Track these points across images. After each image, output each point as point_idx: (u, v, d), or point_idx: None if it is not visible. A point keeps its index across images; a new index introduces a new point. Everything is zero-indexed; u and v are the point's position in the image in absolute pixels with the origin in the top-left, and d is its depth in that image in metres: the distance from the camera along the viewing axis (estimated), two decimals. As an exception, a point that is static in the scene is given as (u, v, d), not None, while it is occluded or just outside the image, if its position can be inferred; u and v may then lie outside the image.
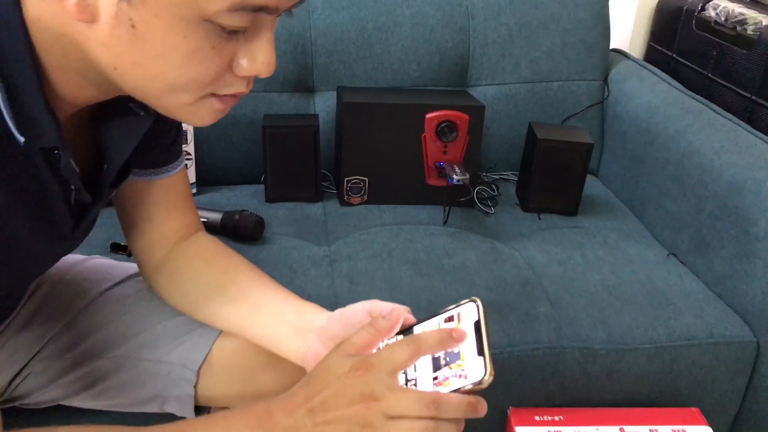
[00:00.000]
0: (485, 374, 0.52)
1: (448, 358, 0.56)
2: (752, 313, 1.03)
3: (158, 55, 0.46)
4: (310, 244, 1.16)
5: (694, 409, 1.02)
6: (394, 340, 0.60)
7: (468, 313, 0.57)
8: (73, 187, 0.58)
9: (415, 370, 0.56)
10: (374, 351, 0.59)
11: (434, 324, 0.60)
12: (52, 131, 0.51)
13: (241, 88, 0.52)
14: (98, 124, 0.61)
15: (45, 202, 0.56)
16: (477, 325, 0.56)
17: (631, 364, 1.00)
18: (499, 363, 0.97)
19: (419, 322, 0.62)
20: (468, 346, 0.55)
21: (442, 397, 0.53)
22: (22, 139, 0.49)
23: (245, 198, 1.30)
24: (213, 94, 0.51)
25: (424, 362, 0.56)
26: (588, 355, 0.99)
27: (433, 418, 0.52)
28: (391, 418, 0.52)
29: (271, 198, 1.29)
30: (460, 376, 0.54)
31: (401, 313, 0.63)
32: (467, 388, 0.53)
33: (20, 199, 0.53)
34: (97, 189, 0.63)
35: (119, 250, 1.09)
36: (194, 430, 0.58)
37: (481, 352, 0.54)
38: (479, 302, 0.57)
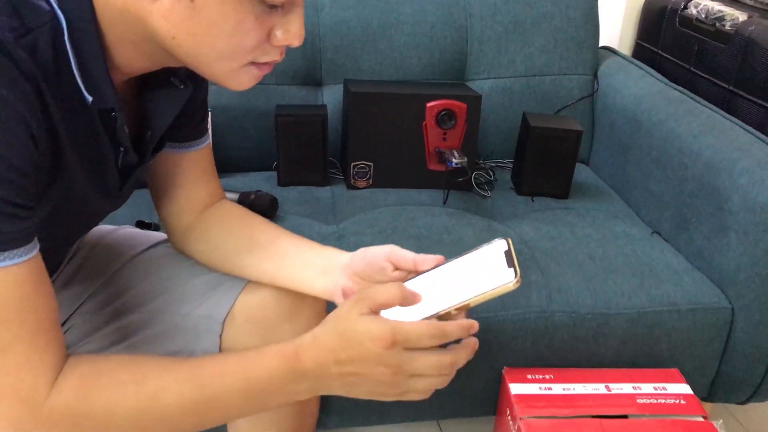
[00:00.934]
0: (515, 278, 0.61)
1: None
2: (727, 282, 1.12)
3: (211, 26, 0.55)
4: (320, 223, 1.24)
5: (674, 370, 1.10)
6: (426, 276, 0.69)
7: (498, 246, 0.67)
8: (122, 149, 0.67)
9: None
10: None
11: (464, 262, 0.68)
12: (111, 95, 0.60)
13: (276, 56, 0.61)
14: (142, 94, 0.71)
15: (100, 160, 0.65)
16: (507, 252, 0.65)
17: (615, 328, 1.08)
18: (495, 326, 1.06)
19: (449, 260, 0.70)
20: (500, 263, 0.64)
21: (453, 346, 0.63)
22: (90, 98, 0.58)
23: (258, 182, 1.38)
24: (252, 63, 0.61)
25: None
26: (575, 319, 1.07)
27: (451, 364, 0.61)
28: (413, 376, 0.61)
29: (282, 182, 1.37)
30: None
31: (422, 263, 0.71)
32: (499, 289, 0.62)
33: (83, 154, 0.62)
34: (141, 153, 0.72)
35: (144, 226, 1.18)
36: (228, 361, 0.64)
37: (511, 265, 0.63)
38: (509, 239, 0.67)
